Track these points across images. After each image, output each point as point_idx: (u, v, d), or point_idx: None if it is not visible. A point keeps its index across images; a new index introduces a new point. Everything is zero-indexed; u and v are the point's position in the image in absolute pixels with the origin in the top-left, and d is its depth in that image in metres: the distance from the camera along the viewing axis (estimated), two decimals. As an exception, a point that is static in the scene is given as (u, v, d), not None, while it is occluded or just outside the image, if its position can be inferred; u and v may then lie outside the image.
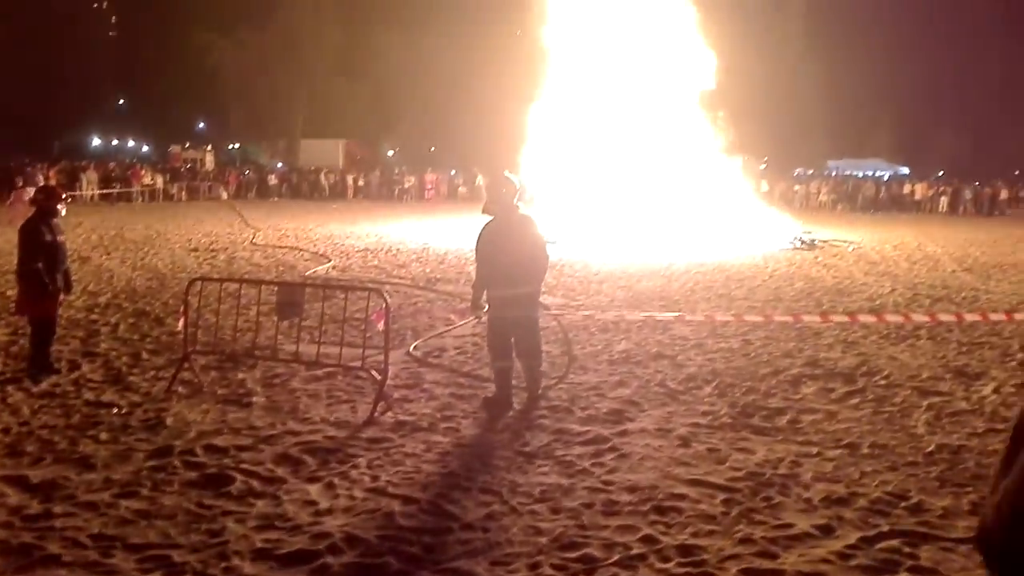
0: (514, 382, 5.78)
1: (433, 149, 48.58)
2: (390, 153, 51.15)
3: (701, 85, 20.49)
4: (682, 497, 4.13)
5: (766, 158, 37.45)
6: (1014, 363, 7.12)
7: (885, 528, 3.81)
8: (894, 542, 3.67)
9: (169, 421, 5.23)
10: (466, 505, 4.06)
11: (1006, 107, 54.57)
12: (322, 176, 36.82)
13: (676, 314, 9.06)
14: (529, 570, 3.42)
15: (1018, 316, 9.00)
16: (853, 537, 3.71)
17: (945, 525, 3.87)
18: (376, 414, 5.37)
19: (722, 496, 4.17)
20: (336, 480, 4.34)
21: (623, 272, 12.86)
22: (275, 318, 6.55)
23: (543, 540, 3.69)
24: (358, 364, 5.77)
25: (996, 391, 6.23)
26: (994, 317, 8.95)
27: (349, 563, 3.49)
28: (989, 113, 56.60)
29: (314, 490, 4.21)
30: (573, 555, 3.53)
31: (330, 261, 13.56)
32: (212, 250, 14.95)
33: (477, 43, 38.40)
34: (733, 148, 21.72)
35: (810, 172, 44.72)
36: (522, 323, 5.68)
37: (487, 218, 5.81)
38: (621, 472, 4.51)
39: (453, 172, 40.15)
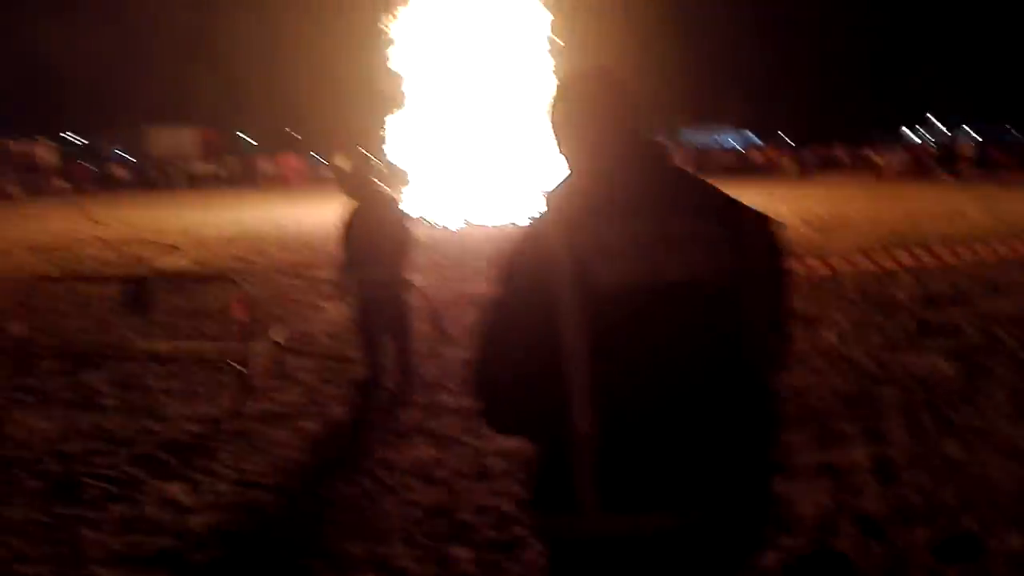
0: (385, 362, 5.73)
1: (291, 132, 47.13)
2: (247, 139, 49.25)
3: (551, 59, 20.75)
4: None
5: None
6: (852, 307, 7.68)
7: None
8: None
9: (9, 430, 4.88)
10: (338, 487, 4.02)
11: (839, 73, 58.28)
12: (175, 165, 35.03)
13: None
14: (403, 543, 3.43)
15: (856, 263, 9.72)
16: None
17: (795, 458, 4.14)
18: (240, 406, 5.20)
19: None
20: (199, 477, 4.18)
21: (495, 246, 12.93)
22: (124, 315, 6.22)
23: (417, 512, 3.71)
24: (218, 357, 5.57)
25: (836, 333, 6.70)
26: (836, 262, 9.64)
27: (218, 558, 3.38)
28: (829, 79, 60.31)
29: (176, 489, 4.04)
30: (445, 522, 3.56)
31: (178, 250, 12.99)
32: (54, 248, 13.97)
33: (331, 21, 37.43)
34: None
35: (665, 139, 46.26)
36: (390, 303, 5.63)
37: (350, 200, 5.70)
38: (494, 440, 4.56)
39: (313, 155, 39.11)
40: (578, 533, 1.50)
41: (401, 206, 5.79)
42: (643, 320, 1.48)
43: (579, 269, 1.46)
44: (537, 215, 1.60)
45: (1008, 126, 53.05)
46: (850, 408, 4.89)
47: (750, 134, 54.96)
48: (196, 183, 34.55)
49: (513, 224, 15.36)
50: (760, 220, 1.63)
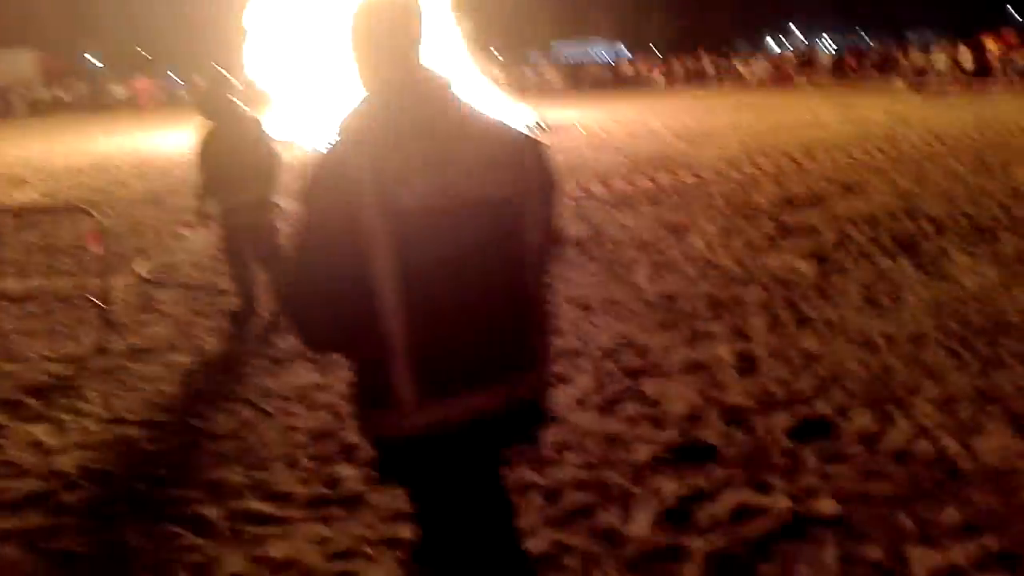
0: (257, 290, 5.56)
1: (142, 52, 43.85)
2: (93, 61, 45.49)
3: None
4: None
5: (493, 46, 37.96)
6: (719, 215, 7.99)
7: (614, 370, 4.22)
8: (623, 380, 4.08)
9: None
10: (215, 418, 3.92)
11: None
12: (14, 92, 32.07)
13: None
14: (287, 467, 3.41)
15: (722, 172, 10.09)
16: (588, 381, 4.07)
17: (663, 359, 4.35)
18: (104, 343, 4.95)
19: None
20: (65, 417, 3.98)
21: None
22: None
23: (300, 437, 3.68)
24: (77, 294, 5.25)
25: (704, 240, 6.98)
26: (702, 174, 9.97)
27: (89, 496, 3.26)
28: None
29: (40, 430, 3.85)
30: (330, 444, 3.56)
31: (25, 182, 12.04)
32: None
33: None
34: (463, 37, 21.68)
35: (538, 55, 46.05)
36: (258, 229, 5.42)
37: (207, 122, 5.38)
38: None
39: (170, 74, 36.66)
40: (399, 427, 1.72)
41: (263, 127, 5.53)
42: (441, 234, 1.65)
43: (379, 190, 1.61)
44: (335, 139, 1.72)
45: (863, 33, 55.54)
46: (716, 309, 5.14)
47: (621, 47, 55.29)
48: (39, 111, 31.85)
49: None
50: (532, 144, 1.83)
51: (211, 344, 5.02)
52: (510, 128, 1.82)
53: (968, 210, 7.55)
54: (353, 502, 3.09)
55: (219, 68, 5.71)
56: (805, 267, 5.98)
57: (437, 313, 1.67)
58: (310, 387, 4.22)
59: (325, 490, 3.21)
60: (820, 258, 6.18)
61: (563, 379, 4.12)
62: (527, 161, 1.79)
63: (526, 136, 1.83)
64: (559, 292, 5.64)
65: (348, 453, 3.46)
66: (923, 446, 3.27)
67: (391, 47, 1.75)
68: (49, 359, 4.79)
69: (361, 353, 1.74)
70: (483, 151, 1.73)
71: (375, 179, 1.61)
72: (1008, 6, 49.61)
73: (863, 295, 5.24)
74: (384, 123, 1.69)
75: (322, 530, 2.93)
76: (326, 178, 1.66)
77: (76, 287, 5.25)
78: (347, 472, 3.32)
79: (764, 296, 5.34)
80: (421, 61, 1.78)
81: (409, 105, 1.72)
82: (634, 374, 4.16)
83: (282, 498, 3.17)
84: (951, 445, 3.25)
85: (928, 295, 5.16)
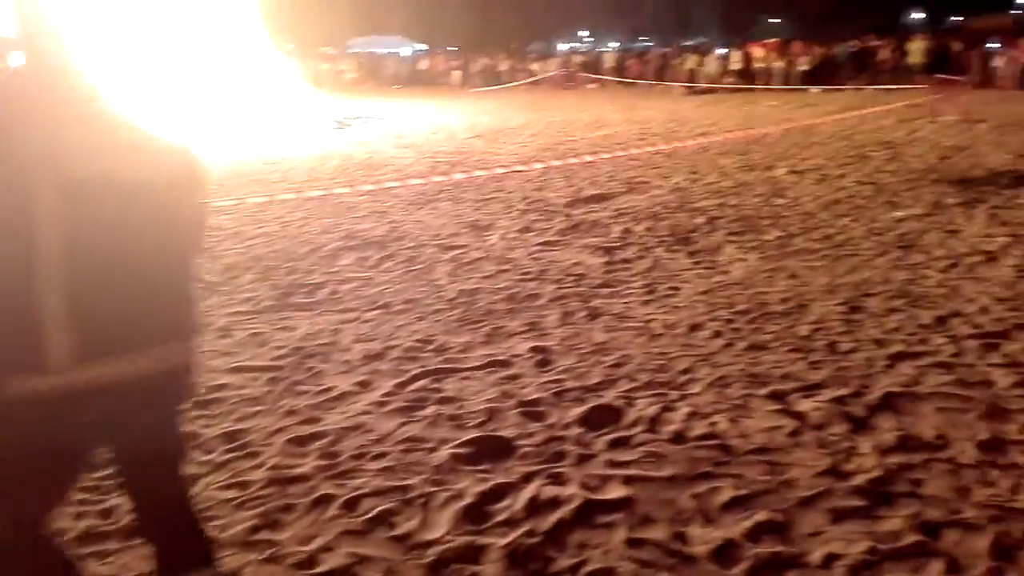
0: None
1: None
2: None
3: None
4: (224, 387, 4.07)
5: (290, 42, 36.74)
6: (515, 212, 8.22)
7: (416, 371, 4.23)
8: (423, 381, 4.10)
9: None
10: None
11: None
12: None
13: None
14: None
15: (517, 169, 10.39)
16: (389, 385, 4.05)
17: (464, 358, 4.42)
18: None
19: (266, 376, 4.21)
20: None
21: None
22: None
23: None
24: None
25: (502, 237, 7.16)
26: (498, 172, 10.22)
27: None
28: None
29: None
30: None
31: None
32: None
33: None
34: (259, 32, 20.80)
35: (335, 51, 45.14)
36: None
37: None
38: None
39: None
40: (47, 389, 1.75)
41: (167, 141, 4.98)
42: (99, 214, 1.77)
43: (44, 168, 1.71)
44: None
45: (644, 39, 59.22)
46: (514, 306, 5.29)
47: (419, 45, 55.37)
48: None
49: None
50: (179, 146, 1.99)
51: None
52: (155, 134, 1.95)
53: (734, 202, 8.28)
54: None
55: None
56: (593, 261, 6.30)
57: (90, 283, 1.76)
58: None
59: None
60: (606, 252, 6.54)
61: (364, 384, 4.08)
62: (174, 159, 1.96)
63: (174, 142, 1.98)
64: (359, 293, 5.58)
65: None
66: (699, 427, 3.55)
67: (44, 53, 1.83)
68: None
69: (10, 319, 1.75)
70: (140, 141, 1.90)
71: (40, 159, 1.71)
72: (766, 16, 54.96)
73: (645, 287, 5.60)
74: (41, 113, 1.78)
75: None
76: None
77: None
78: None
79: (557, 291, 5.56)
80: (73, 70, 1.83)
81: (57, 100, 1.80)
82: (435, 374, 4.19)
83: None
84: (724, 425, 3.55)
85: (702, 284, 5.61)
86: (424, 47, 54.02)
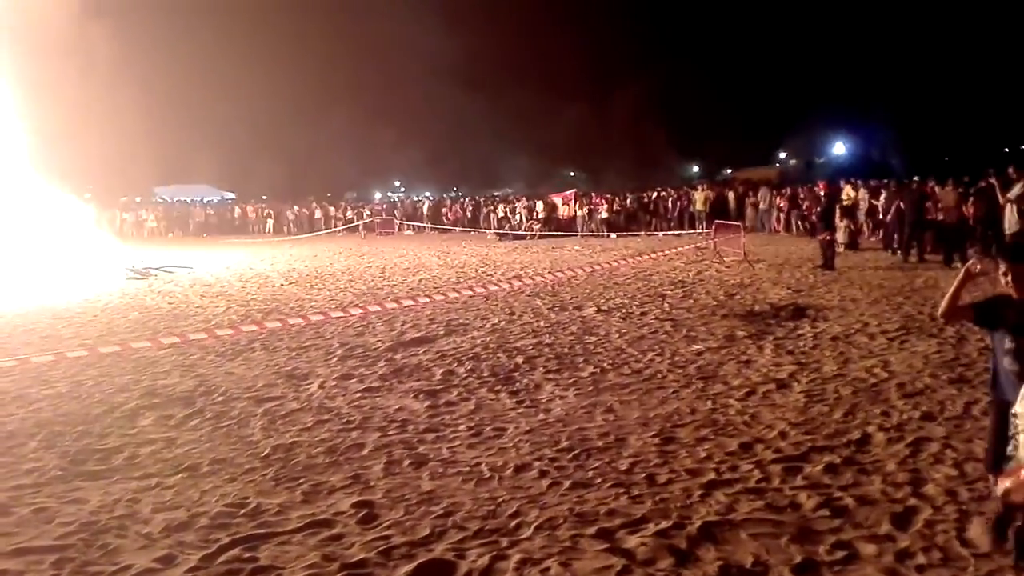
0: None
1: None
2: None
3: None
4: (3, 573, 3.53)
5: (88, 190, 35.10)
6: (334, 359, 8.02)
7: (226, 540, 3.88)
8: (235, 551, 3.76)
9: None
10: None
11: (319, 136, 61.53)
12: None
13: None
14: None
15: (335, 316, 10.23)
16: (195, 559, 3.68)
17: (281, 520, 4.12)
18: None
19: (52, 558, 3.70)
20: None
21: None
22: None
23: None
24: None
25: (321, 386, 6.92)
26: (315, 319, 10.00)
27: None
28: (304, 142, 63.09)
29: None
30: None
31: None
32: None
33: None
34: (54, 178, 19.71)
35: (138, 199, 43.53)
36: None
37: None
38: None
39: None
40: None
41: None
42: None
43: None
44: None
45: (455, 189, 61.93)
46: (335, 458, 5.06)
47: (228, 193, 54.66)
48: None
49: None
50: None
51: None
52: None
53: (550, 341, 8.56)
54: None
55: None
56: (417, 405, 6.21)
57: None
58: None
59: None
60: (430, 396, 6.48)
61: (166, 560, 3.68)
62: None
63: None
64: (161, 456, 5.13)
65: None
66: (532, 575, 3.47)
67: None
68: None
69: None
70: None
71: None
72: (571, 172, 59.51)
73: (471, 429, 5.57)
74: None
75: None
76: None
77: None
78: None
79: (381, 439, 5.40)
80: None
81: None
82: (248, 541, 3.86)
83: None
84: (556, 570, 3.50)
85: (525, 423, 5.66)
86: (233, 195, 53.34)
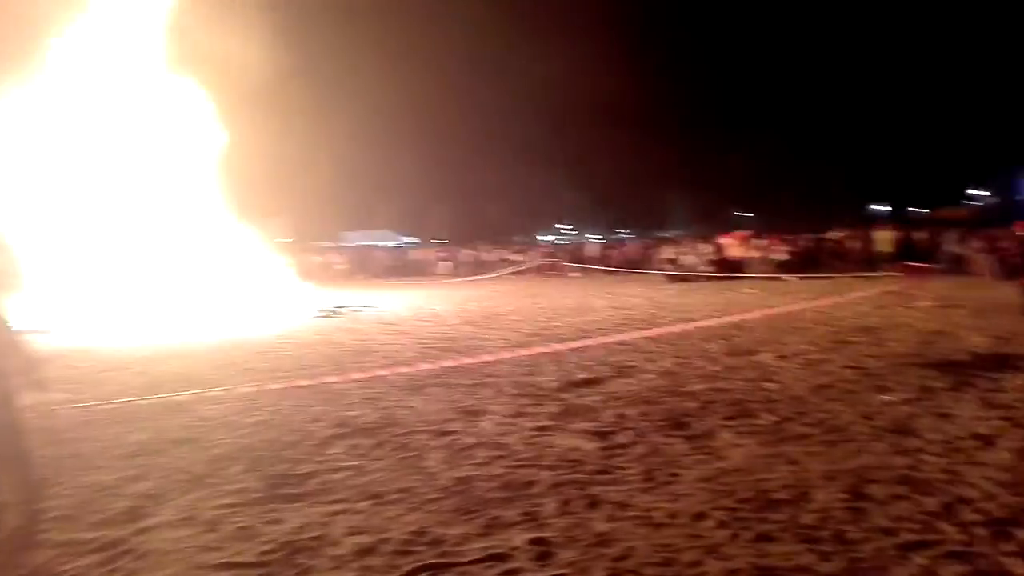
0: (3, 496, 4.84)
1: None
2: None
3: (211, 161, 20.09)
4: (210, 585, 3.87)
5: (291, 235, 38.28)
6: (506, 397, 8.20)
7: (409, 567, 4.04)
8: (420, 578, 3.91)
9: None
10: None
11: (489, 180, 63.87)
12: None
13: (197, 391, 8.60)
14: None
15: (506, 355, 10.47)
16: (382, 583, 3.86)
17: (460, 551, 4.25)
18: None
19: (253, 573, 4.01)
20: None
21: (137, 356, 11.82)
22: None
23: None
24: None
25: (495, 423, 7.09)
26: (488, 357, 10.29)
27: None
28: (475, 186, 65.72)
29: None
30: None
31: None
32: None
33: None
34: (254, 222, 21.64)
35: (327, 243, 46.75)
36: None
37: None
38: (141, 574, 4.07)
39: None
40: None
41: (6, 312, 5.02)
42: None
43: None
44: None
45: (623, 231, 61.94)
46: (510, 494, 5.16)
47: (409, 237, 57.60)
48: None
49: (161, 339, 14.22)
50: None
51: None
52: None
53: (725, 387, 8.32)
54: None
55: None
56: (589, 446, 6.22)
57: None
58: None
59: None
60: (601, 437, 6.47)
61: (356, 581, 3.89)
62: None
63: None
64: (350, 483, 5.43)
65: None
66: (711, 623, 3.37)
67: None
68: None
69: None
70: None
71: None
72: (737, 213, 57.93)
73: (644, 473, 5.50)
74: None
75: None
76: None
77: None
78: None
79: (554, 477, 5.45)
80: None
81: None
82: (431, 569, 4.01)
83: None
84: (735, 620, 3.38)
85: (701, 470, 5.52)
86: (414, 239, 56.12)
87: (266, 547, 4.36)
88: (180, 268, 18.03)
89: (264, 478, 5.64)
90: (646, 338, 12.25)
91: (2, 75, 17.58)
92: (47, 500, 5.09)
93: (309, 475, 5.68)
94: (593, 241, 43.25)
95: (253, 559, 4.20)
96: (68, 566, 4.17)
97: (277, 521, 4.76)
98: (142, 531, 4.65)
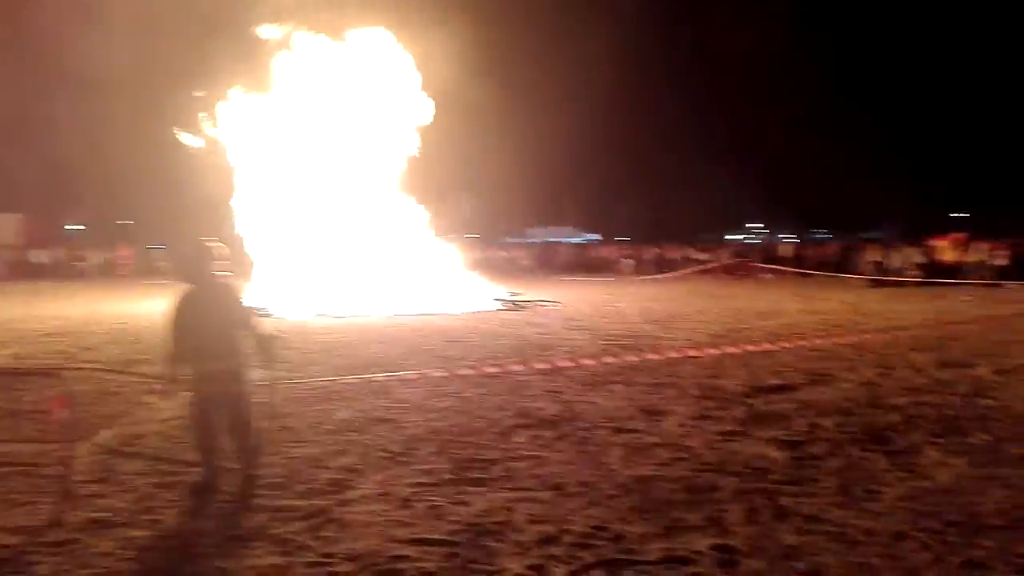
0: (223, 463, 5.41)
1: (122, 223, 44.96)
2: (74, 228, 46.45)
3: (405, 159, 21.11)
4: (403, 558, 4.11)
5: (478, 232, 39.68)
6: (690, 398, 8.05)
7: (590, 559, 4.09)
8: (598, 572, 3.94)
9: None
10: (170, 601, 3.70)
11: (675, 178, 62.84)
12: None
13: (395, 374, 9.12)
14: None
15: (691, 355, 10.26)
16: (562, 572, 3.93)
17: (641, 549, 4.24)
18: (62, 515, 4.72)
19: (442, 551, 4.22)
20: (8, 596, 3.73)
21: (341, 340, 12.71)
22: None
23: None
24: (38, 461, 5.06)
25: (677, 424, 6.99)
26: (673, 356, 10.13)
27: None
28: (661, 184, 64.84)
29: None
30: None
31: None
32: None
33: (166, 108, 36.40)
34: (444, 221, 22.55)
35: (512, 240, 47.89)
36: (229, 399, 5.35)
37: (184, 287, 5.43)
38: (343, 543, 4.39)
39: (151, 247, 37.43)
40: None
41: (241, 296, 5.56)
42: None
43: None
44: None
45: (820, 231, 58.60)
46: (693, 497, 5.07)
47: (591, 234, 57.79)
48: (18, 274, 32.00)
49: (362, 325, 15.19)
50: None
51: (170, 519, 4.80)
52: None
53: (933, 402, 7.69)
54: None
55: (200, 237, 5.77)
56: (778, 455, 5.98)
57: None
58: (271, 569, 4.03)
59: None
60: (792, 446, 6.20)
61: (537, 569, 3.99)
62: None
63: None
64: (533, 472, 5.56)
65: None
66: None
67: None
68: (2, 529, 4.54)
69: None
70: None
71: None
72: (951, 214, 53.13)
73: (838, 487, 5.22)
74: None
75: None
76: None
77: (37, 454, 5.08)
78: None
79: (739, 484, 5.29)
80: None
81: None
82: (610, 565, 4.03)
83: None
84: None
85: (903, 488, 5.15)
86: (596, 236, 56.21)
87: (454, 527, 4.57)
88: (382, 261, 19.18)
89: (452, 461, 5.90)
90: (844, 345, 11.56)
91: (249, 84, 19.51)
92: (262, 468, 5.64)
93: (493, 461, 5.88)
94: (786, 241, 41.28)
95: (442, 536, 4.41)
96: (279, 530, 4.57)
97: (464, 503, 4.97)
98: (344, 503, 5.02)
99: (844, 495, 5.06)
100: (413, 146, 20.90)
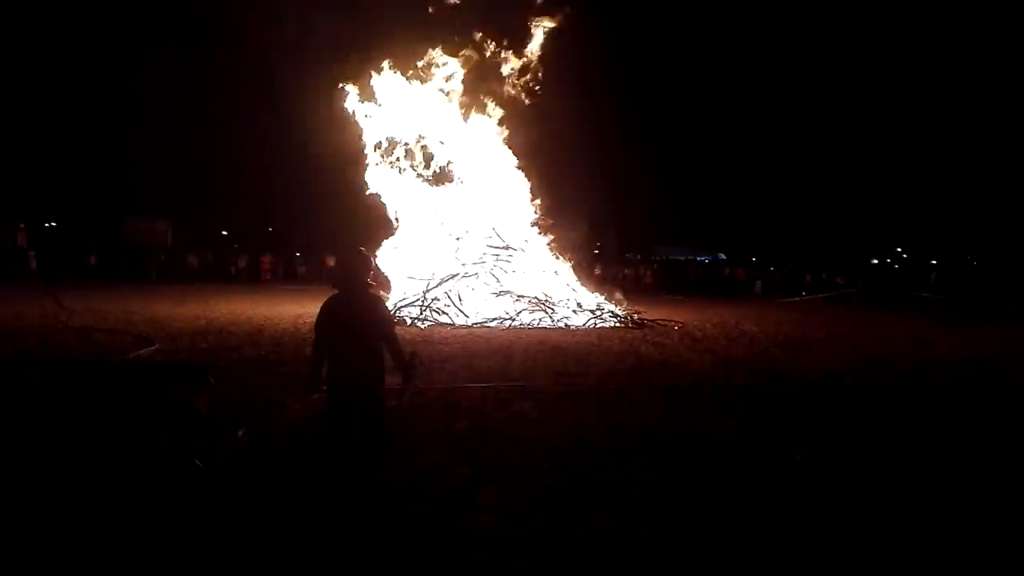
0: (352, 466, 5.61)
1: (268, 229, 47.67)
2: (224, 233, 49.67)
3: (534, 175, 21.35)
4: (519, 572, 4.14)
5: (599, 244, 39.51)
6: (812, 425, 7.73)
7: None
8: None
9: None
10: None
11: (809, 200, 60.54)
12: (147, 257, 35.00)
13: (517, 384, 9.22)
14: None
15: (820, 383, 9.82)
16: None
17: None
18: (200, 505, 5.05)
19: (559, 569, 4.22)
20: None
21: (464, 351, 12.96)
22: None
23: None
24: (180, 451, 5.43)
25: (808, 456, 6.71)
26: (807, 383, 9.74)
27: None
28: (794, 205, 62.57)
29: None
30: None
31: (154, 344, 12.77)
32: (22, 334, 13.70)
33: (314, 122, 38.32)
34: (565, 237, 22.54)
35: (638, 256, 47.39)
36: (365, 402, 5.53)
37: (333, 293, 5.65)
38: (461, 553, 4.47)
39: (298, 254, 39.57)
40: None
41: (385, 305, 5.74)
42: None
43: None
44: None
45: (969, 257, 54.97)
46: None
47: (719, 254, 56.47)
48: (169, 275, 34.44)
49: (485, 337, 15.40)
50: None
51: (300, 515, 5.04)
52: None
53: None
54: None
55: (360, 247, 5.92)
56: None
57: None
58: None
59: None
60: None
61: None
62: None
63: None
64: (650, 496, 5.47)
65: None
66: None
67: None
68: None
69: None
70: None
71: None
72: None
73: None
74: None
75: None
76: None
77: (179, 445, 5.45)
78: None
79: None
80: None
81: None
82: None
83: None
84: None
85: None
86: (723, 256, 54.88)
87: (569, 544, 4.55)
88: (506, 276, 19.44)
89: (569, 479, 5.89)
90: (994, 382, 10.75)
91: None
92: (386, 471, 5.81)
93: (610, 482, 5.82)
94: (932, 270, 38.93)
95: (557, 554, 4.41)
96: (399, 535, 4.70)
97: (580, 522, 4.95)
98: (462, 512, 5.10)
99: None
100: (538, 162, 21.15)
